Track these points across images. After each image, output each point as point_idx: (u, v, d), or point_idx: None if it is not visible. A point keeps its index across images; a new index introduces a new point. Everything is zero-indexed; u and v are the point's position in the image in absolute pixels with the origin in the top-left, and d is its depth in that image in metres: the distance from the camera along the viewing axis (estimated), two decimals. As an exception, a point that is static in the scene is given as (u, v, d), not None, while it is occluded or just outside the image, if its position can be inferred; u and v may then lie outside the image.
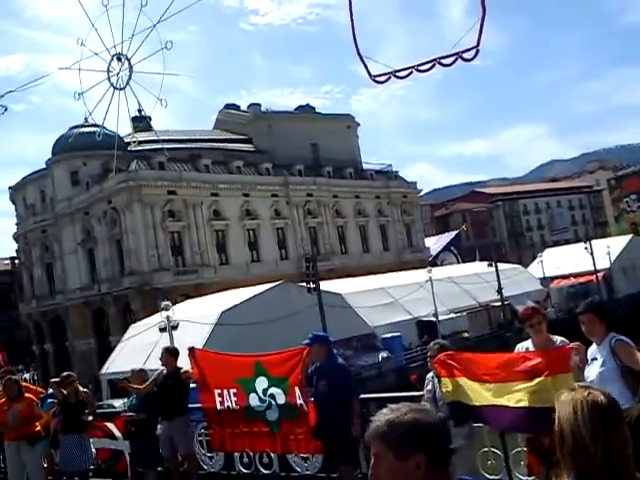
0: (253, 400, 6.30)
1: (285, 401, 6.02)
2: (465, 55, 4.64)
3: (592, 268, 45.86)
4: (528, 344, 5.00)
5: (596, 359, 4.25)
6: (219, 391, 6.61)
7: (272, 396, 6.12)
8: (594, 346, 4.32)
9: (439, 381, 5.20)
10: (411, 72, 4.94)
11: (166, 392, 7.08)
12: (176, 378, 7.11)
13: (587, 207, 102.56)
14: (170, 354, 7.38)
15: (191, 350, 6.89)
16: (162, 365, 7.37)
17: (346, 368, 6.09)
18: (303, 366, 5.93)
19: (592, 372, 4.25)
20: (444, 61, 4.75)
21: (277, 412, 6.09)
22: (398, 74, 5.01)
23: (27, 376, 50.98)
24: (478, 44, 4.43)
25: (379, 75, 5.06)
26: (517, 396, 4.70)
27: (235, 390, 6.47)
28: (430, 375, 5.43)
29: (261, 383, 6.21)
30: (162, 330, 23.41)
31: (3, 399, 8.18)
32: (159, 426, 7.21)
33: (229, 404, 6.51)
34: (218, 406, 6.61)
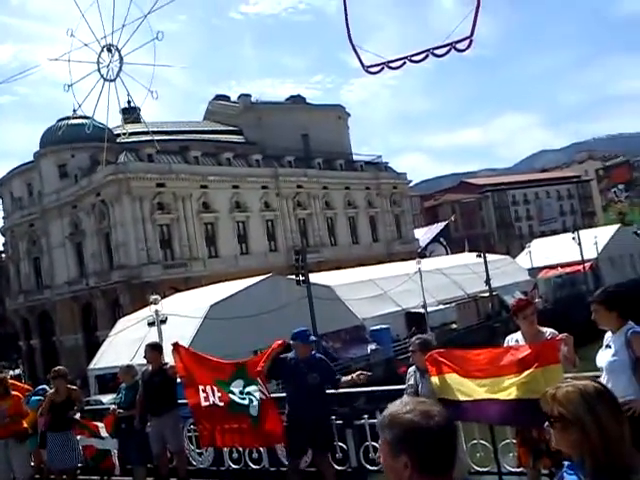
0: (234, 397, 6.40)
1: (261, 396, 6.18)
2: (459, 46, 4.59)
3: (580, 258, 46.17)
4: (518, 336, 5.01)
5: (610, 347, 4.26)
6: (203, 387, 6.63)
7: (249, 393, 6.27)
8: (609, 334, 4.31)
9: (422, 376, 5.20)
10: (404, 62, 4.89)
11: (153, 389, 7.02)
12: (163, 374, 7.06)
13: (575, 197, 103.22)
14: (154, 350, 7.31)
15: (175, 345, 6.89)
16: (147, 362, 7.31)
17: (328, 360, 6.37)
18: (268, 360, 6.11)
19: (603, 359, 4.26)
20: (437, 52, 4.70)
21: (257, 407, 6.20)
22: (391, 64, 4.96)
23: (16, 372, 50.70)
24: (472, 34, 4.38)
25: (372, 66, 5.01)
26: (508, 389, 4.72)
27: (216, 388, 6.54)
28: (412, 369, 5.42)
29: (237, 385, 6.35)
30: (151, 324, 23.30)
31: (-10, 397, 8.10)
32: (148, 423, 7.14)
33: (214, 400, 6.54)
34: (203, 402, 6.62)
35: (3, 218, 57.12)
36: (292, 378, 6.14)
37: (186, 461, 7.26)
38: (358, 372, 6.01)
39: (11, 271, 57.51)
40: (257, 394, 6.20)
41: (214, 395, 6.51)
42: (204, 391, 6.58)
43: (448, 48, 4.61)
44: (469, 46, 4.47)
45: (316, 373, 6.03)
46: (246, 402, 6.27)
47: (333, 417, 6.32)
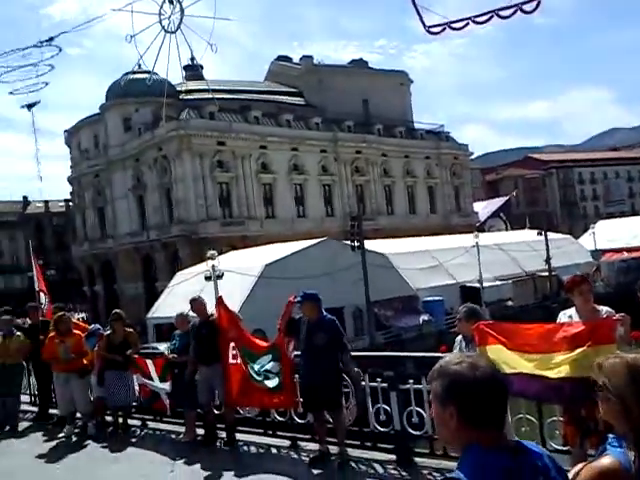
0: (251, 372, 6.80)
1: (280, 367, 6.58)
2: (525, 7, 4.44)
3: (648, 243, 44.33)
4: (572, 312, 4.91)
5: None
6: (233, 344, 7.06)
7: (267, 371, 6.66)
8: None
9: (468, 345, 5.18)
10: (467, 23, 4.77)
11: (202, 339, 7.27)
12: (211, 325, 7.31)
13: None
14: (198, 302, 7.56)
15: (219, 299, 7.41)
16: (195, 314, 7.60)
17: (338, 323, 6.42)
18: (285, 317, 6.48)
19: None
20: (502, 13, 4.56)
21: (276, 378, 6.59)
22: (453, 25, 4.84)
23: (80, 316, 53.04)
24: (540, -5, 4.24)
25: (434, 26, 4.90)
26: (558, 366, 4.64)
27: (240, 355, 6.96)
28: (459, 338, 5.41)
29: (261, 361, 6.71)
30: (207, 279, 23.92)
31: (53, 333, 8.56)
32: (198, 372, 7.41)
33: (237, 361, 7.00)
34: (230, 359, 7.05)
35: (71, 168, 59.12)
36: (303, 338, 6.35)
37: (234, 410, 7.51)
38: (358, 370, 6.25)
39: (77, 220, 59.70)
40: (276, 370, 6.56)
41: (237, 359, 6.98)
42: (234, 348, 7.02)
43: (514, 9, 4.46)
44: (536, 7, 4.32)
45: (322, 334, 6.17)
46: (260, 378, 6.66)
47: (365, 377, 6.47)
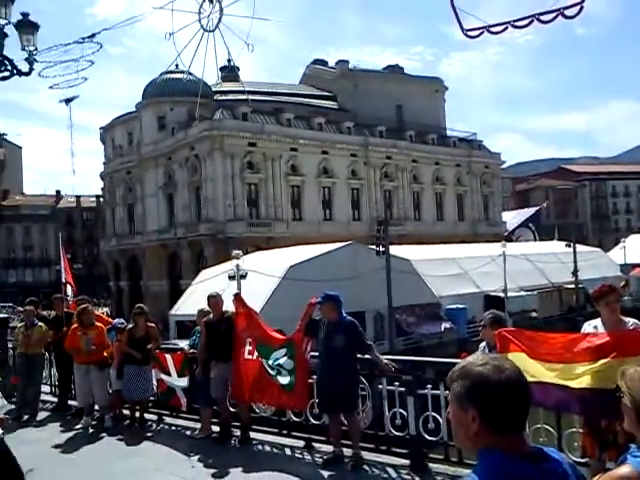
0: (265, 366, 6.84)
1: (294, 366, 6.57)
2: (567, 12, 4.34)
3: (681, 260, 43.38)
4: (597, 323, 4.80)
5: None
6: (250, 340, 7.07)
7: (280, 365, 6.65)
8: None
9: (491, 352, 5.07)
10: (506, 27, 4.69)
11: (221, 335, 7.27)
12: (228, 321, 7.33)
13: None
14: (216, 298, 7.57)
15: (236, 295, 7.50)
16: (211, 310, 7.56)
17: (358, 324, 6.36)
18: (305, 317, 6.52)
19: None
20: (543, 17, 4.47)
21: (288, 376, 6.60)
22: (492, 29, 4.77)
23: (104, 310, 53.82)
24: (583, 0, 4.14)
25: (472, 29, 4.83)
26: (580, 377, 4.53)
27: (256, 350, 7.00)
28: (482, 345, 5.32)
29: (275, 356, 6.72)
30: (231, 278, 24.03)
31: (76, 325, 8.66)
32: (212, 367, 7.40)
33: (252, 357, 7.03)
34: (246, 354, 7.06)
35: (104, 164, 60.08)
36: (322, 339, 6.33)
37: (249, 408, 7.50)
38: (387, 362, 6.08)
39: (107, 215, 60.60)
40: (289, 364, 6.56)
41: (253, 355, 6.99)
42: (250, 344, 7.02)
43: (556, 14, 4.37)
44: (579, 12, 4.22)
45: (341, 335, 6.14)
46: (273, 373, 6.67)
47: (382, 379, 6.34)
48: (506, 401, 1.57)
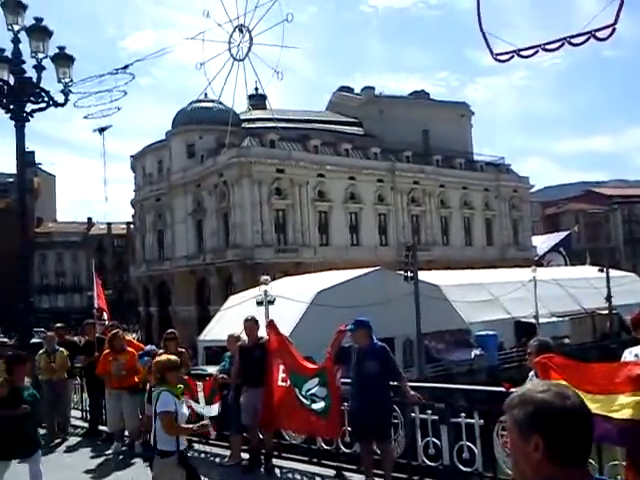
0: (298, 395, 6.76)
1: (327, 392, 6.47)
2: (599, 34, 4.31)
3: None
4: (638, 350, 4.65)
5: None
6: (283, 367, 7.03)
7: (314, 395, 6.57)
8: None
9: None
10: (537, 51, 4.67)
11: (254, 361, 7.21)
12: (262, 348, 7.29)
13: None
14: (252, 322, 7.55)
15: (270, 322, 7.52)
16: (246, 335, 7.57)
17: (389, 350, 6.31)
18: (335, 345, 6.45)
19: None
20: (574, 40, 4.44)
21: (323, 402, 6.49)
22: (522, 53, 4.75)
23: (133, 336, 54.31)
24: (616, 22, 4.10)
25: (502, 53, 4.82)
26: (623, 408, 4.38)
27: (288, 378, 6.95)
28: (531, 374, 5.18)
29: (309, 385, 6.64)
30: (259, 304, 24.07)
31: (108, 350, 8.72)
32: (243, 394, 7.34)
33: (288, 384, 6.95)
34: (279, 381, 7.01)
35: (134, 191, 61.09)
36: (354, 365, 6.26)
37: (272, 436, 7.40)
38: (414, 393, 6.08)
39: (137, 242, 61.40)
40: (322, 392, 6.47)
41: (287, 382, 6.96)
42: (284, 372, 6.99)
43: (587, 36, 4.34)
44: (611, 35, 4.18)
45: (374, 362, 6.06)
46: (307, 402, 6.58)
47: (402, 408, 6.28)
48: (571, 429, 1.49)
